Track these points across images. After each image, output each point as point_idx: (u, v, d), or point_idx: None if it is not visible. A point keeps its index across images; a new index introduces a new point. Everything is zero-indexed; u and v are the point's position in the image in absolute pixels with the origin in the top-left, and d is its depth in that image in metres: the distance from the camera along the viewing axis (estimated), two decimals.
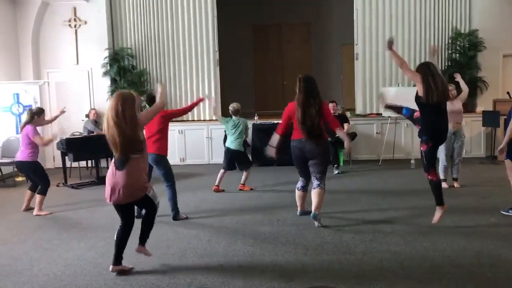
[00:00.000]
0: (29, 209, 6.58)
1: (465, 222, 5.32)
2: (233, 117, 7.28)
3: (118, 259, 4.13)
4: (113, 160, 4.03)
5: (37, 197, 6.38)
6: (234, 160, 7.32)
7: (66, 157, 8.46)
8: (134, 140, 3.90)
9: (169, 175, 5.78)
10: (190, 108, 6.42)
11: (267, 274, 4.02)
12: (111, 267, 4.13)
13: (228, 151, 7.31)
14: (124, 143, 3.86)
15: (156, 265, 4.34)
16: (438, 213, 5.14)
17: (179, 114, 6.32)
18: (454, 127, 6.86)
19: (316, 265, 4.19)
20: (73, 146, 8.33)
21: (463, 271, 3.95)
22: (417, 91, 5.00)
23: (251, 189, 7.35)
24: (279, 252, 4.54)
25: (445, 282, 3.74)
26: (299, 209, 5.73)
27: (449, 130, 6.82)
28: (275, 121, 9.69)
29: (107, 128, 3.88)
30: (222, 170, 7.35)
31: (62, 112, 7.15)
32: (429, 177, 5.08)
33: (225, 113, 10.69)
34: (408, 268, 4.03)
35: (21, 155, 6.37)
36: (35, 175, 6.48)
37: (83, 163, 9.53)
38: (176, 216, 5.79)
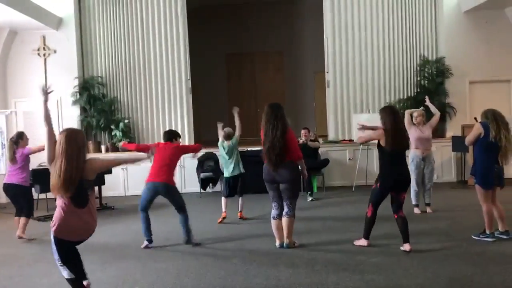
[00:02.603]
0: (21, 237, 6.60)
1: (438, 247, 5.30)
2: (225, 142, 7.18)
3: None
4: (63, 201, 3.73)
5: (22, 219, 6.65)
6: (237, 184, 7.17)
7: (33, 189, 8.17)
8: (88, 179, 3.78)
9: (181, 202, 5.89)
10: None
11: None
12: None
13: (230, 179, 7.15)
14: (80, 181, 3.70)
15: None
16: (361, 242, 5.45)
17: (193, 150, 6.56)
18: (423, 152, 6.95)
19: None
20: (40, 178, 8.06)
21: None
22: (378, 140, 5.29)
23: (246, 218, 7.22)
24: (250, 284, 4.41)
25: None
26: (277, 241, 5.52)
27: (419, 155, 6.94)
28: (249, 148, 9.68)
29: (60, 167, 3.64)
30: (224, 198, 7.16)
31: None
32: (366, 210, 5.42)
33: (198, 143, 10.65)
34: None
35: (14, 178, 6.62)
36: (25, 199, 6.73)
37: (50, 195, 9.23)
38: (189, 239, 5.84)
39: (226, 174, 7.21)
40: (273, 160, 5.23)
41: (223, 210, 7.12)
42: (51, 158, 3.73)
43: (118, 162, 4.59)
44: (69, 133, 3.77)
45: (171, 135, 6.17)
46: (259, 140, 5.60)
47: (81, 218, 3.78)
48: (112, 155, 9.53)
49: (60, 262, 3.83)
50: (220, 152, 7.26)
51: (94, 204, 3.92)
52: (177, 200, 5.89)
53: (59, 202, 3.78)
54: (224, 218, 7.06)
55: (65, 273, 3.86)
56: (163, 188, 5.77)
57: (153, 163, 5.88)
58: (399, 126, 5.21)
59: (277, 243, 5.52)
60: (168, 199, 5.92)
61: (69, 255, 3.88)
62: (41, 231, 7.01)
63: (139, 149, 6.33)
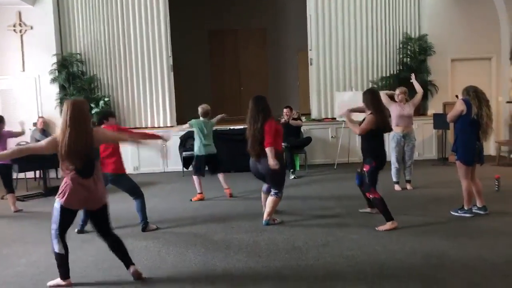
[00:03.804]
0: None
1: (417, 223, 5.36)
2: (202, 119, 6.99)
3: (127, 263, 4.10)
4: (71, 171, 3.79)
5: (10, 196, 6.98)
6: (209, 164, 7.09)
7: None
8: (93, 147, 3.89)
9: (133, 190, 5.53)
10: (148, 137, 5.78)
11: (217, 284, 3.90)
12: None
13: (202, 157, 6.99)
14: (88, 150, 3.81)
15: (100, 278, 4.14)
16: (386, 226, 5.16)
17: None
18: (404, 130, 6.98)
19: (268, 272, 4.10)
20: (19, 157, 7.92)
21: (413, 272, 3.96)
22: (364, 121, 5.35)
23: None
24: (231, 261, 4.42)
25: (394, 284, 3.73)
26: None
27: (399, 132, 6.98)
28: (232, 127, 9.63)
29: (69, 136, 3.73)
30: (197, 177, 7.01)
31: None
32: (371, 196, 5.28)
33: (180, 121, 10.57)
34: (360, 272, 4.00)
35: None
36: (9, 177, 7.01)
37: (30, 174, 9.11)
38: (145, 227, 5.55)
39: (203, 152, 7.00)
40: (257, 151, 5.30)
41: (199, 190, 7.03)
42: (46, 151, 3.89)
43: (124, 139, 4.49)
44: (75, 102, 3.89)
45: (101, 117, 5.64)
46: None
47: (87, 188, 3.86)
48: None
49: (57, 232, 3.83)
50: (198, 129, 6.96)
51: (100, 173, 4.01)
52: (128, 188, 5.53)
53: (66, 174, 3.85)
54: (202, 199, 7.01)
55: (57, 247, 3.87)
56: (110, 178, 5.36)
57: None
58: (383, 108, 5.48)
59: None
60: (118, 187, 5.57)
61: (69, 224, 3.96)
62: (19, 212, 6.94)
63: None
